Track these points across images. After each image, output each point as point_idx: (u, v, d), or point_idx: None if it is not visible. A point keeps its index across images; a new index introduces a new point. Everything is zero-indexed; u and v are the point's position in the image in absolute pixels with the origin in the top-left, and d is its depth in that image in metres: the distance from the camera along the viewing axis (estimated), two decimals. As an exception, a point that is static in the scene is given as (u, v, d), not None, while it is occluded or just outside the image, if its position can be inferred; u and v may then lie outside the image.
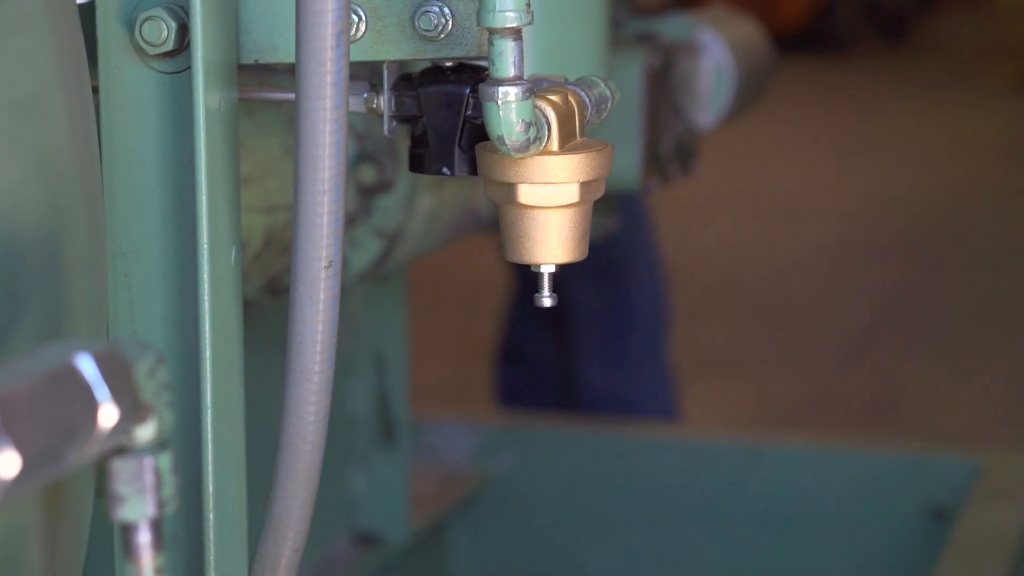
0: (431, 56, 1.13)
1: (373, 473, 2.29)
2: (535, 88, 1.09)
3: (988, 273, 5.34)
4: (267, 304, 1.64)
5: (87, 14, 1.10)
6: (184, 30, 1.10)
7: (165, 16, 1.09)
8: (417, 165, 1.17)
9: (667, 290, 3.03)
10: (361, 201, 1.65)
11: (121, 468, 0.81)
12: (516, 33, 1.05)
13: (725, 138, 3.11)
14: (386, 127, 1.17)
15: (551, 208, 1.11)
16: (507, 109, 1.06)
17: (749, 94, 2.09)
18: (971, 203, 6.42)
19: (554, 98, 1.10)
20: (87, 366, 0.77)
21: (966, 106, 8.71)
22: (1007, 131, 8.08)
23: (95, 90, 1.09)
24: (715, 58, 2.02)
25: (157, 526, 0.83)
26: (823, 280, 5.29)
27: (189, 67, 1.09)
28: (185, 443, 1.12)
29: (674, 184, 1.97)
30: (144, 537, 0.82)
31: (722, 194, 6.22)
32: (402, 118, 1.17)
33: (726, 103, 2.03)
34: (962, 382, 4.28)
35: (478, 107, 1.10)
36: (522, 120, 1.06)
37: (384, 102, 1.16)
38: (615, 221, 2.15)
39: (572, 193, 1.10)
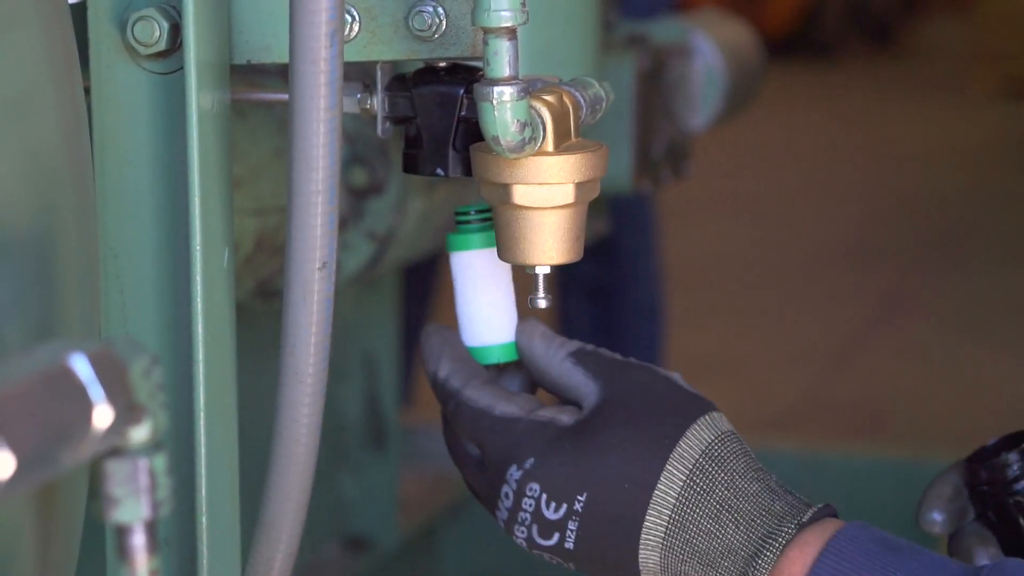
0: (425, 56, 1.13)
1: (363, 477, 2.29)
2: (530, 88, 1.08)
3: (978, 276, 5.35)
4: (258, 307, 1.64)
5: (78, 14, 1.09)
6: (176, 30, 1.09)
7: (157, 16, 1.09)
8: (411, 166, 1.16)
9: (664, 295, 3.00)
10: (352, 204, 1.65)
11: (115, 469, 0.81)
12: (511, 33, 1.04)
13: (714, 141, 3.11)
14: (379, 128, 1.16)
15: (546, 209, 1.10)
16: (502, 109, 1.05)
17: (740, 97, 2.09)
18: (960, 206, 6.43)
19: (549, 98, 1.10)
20: (81, 366, 0.77)
21: (953, 110, 8.72)
22: (994, 134, 8.09)
23: (87, 91, 1.08)
24: (706, 61, 2.02)
25: (152, 528, 0.82)
26: (813, 283, 5.29)
27: (181, 67, 1.08)
28: (178, 446, 1.11)
29: (665, 187, 1.96)
30: (139, 539, 0.82)
31: (712, 197, 6.22)
32: (396, 119, 1.16)
33: (717, 106, 2.03)
34: (952, 386, 4.28)
35: (472, 107, 1.09)
36: (517, 120, 1.06)
37: (377, 103, 1.16)
38: (606, 224, 2.15)
39: (567, 194, 1.10)
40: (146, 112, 1.11)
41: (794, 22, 10.30)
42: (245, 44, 1.13)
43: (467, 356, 1.18)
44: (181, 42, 1.08)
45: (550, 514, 1.12)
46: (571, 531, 1.11)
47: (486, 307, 1.18)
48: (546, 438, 1.12)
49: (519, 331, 1.18)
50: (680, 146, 2.01)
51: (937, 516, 1.22)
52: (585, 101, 1.14)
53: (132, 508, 0.81)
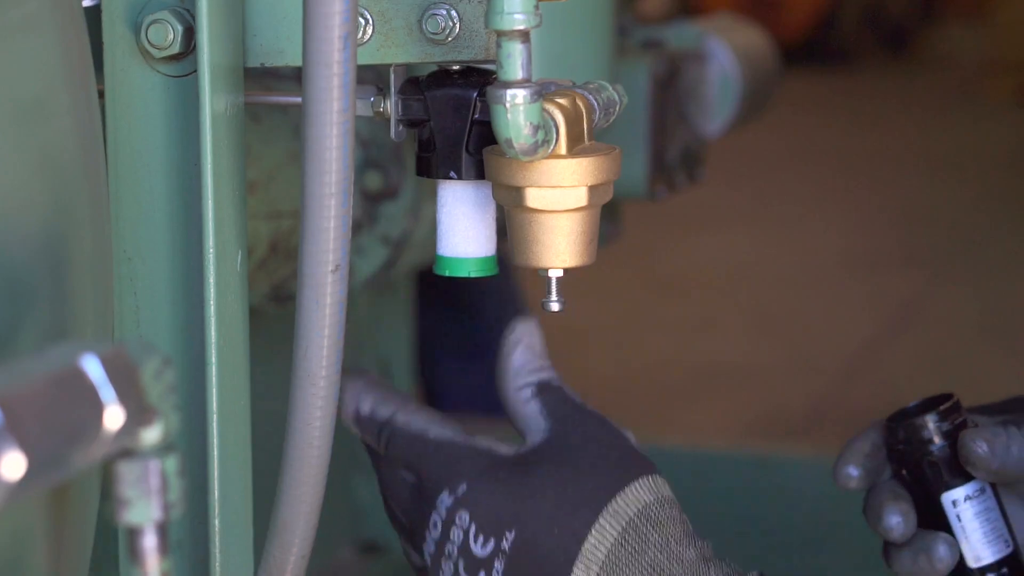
0: (438, 59, 1.13)
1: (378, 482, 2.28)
2: (543, 91, 1.08)
3: (994, 284, 5.34)
4: (272, 311, 1.64)
5: (93, 17, 1.09)
6: (190, 33, 1.09)
7: (171, 19, 1.09)
8: (424, 169, 1.16)
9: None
10: (366, 208, 1.65)
11: (127, 471, 0.81)
12: (524, 35, 1.04)
13: (728, 148, 3.11)
14: (393, 131, 1.16)
15: (559, 212, 1.10)
16: (515, 112, 1.05)
17: (755, 102, 2.09)
18: (974, 215, 6.42)
19: (562, 101, 1.09)
20: (93, 367, 0.77)
21: (968, 118, 8.71)
22: (1009, 144, 8.08)
23: (101, 94, 1.08)
24: (721, 66, 2.02)
25: (163, 530, 0.82)
26: (827, 291, 5.28)
27: (195, 70, 1.08)
28: (191, 449, 1.11)
29: (680, 192, 1.96)
30: (150, 541, 0.82)
31: (725, 205, 6.22)
32: (409, 122, 1.16)
33: (732, 111, 2.03)
34: (967, 393, 4.26)
35: (486, 110, 1.09)
36: (530, 123, 1.05)
37: (391, 106, 1.16)
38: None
39: (580, 197, 1.10)
40: (160, 115, 1.11)
41: (810, 29, 10.29)
42: (259, 47, 1.13)
43: (389, 385, 1.15)
44: (195, 45, 1.08)
45: (477, 549, 1.08)
46: (497, 571, 1.08)
47: (464, 220, 1.15)
48: (482, 465, 1.10)
49: (515, 327, 1.16)
50: (695, 151, 2.01)
51: (853, 471, 1.23)
52: (599, 104, 1.13)
53: (143, 510, 0.81)
